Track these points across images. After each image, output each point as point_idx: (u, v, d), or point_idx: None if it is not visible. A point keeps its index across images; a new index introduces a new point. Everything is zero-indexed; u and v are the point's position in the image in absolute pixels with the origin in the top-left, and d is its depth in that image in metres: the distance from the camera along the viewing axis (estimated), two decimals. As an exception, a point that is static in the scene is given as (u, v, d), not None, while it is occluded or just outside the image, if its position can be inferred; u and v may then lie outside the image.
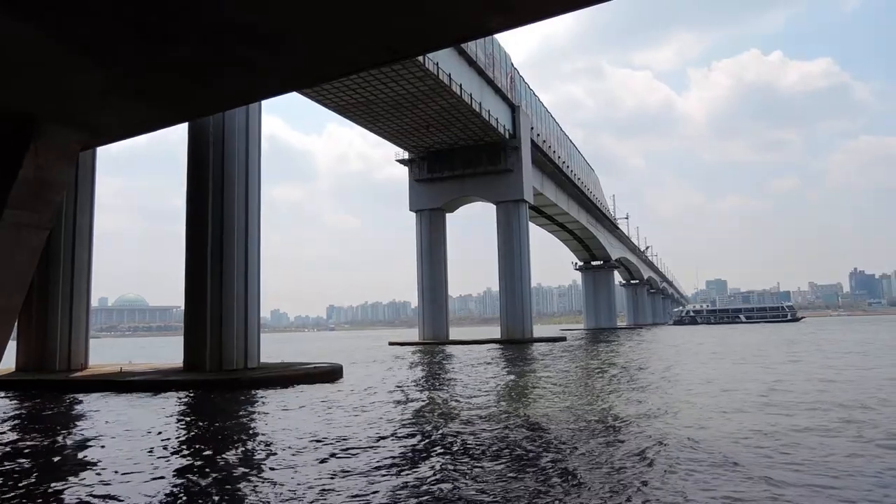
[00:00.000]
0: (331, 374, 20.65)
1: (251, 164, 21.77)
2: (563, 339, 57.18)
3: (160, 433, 10.77)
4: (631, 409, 12.07)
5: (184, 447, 9.84)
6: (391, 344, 56.03)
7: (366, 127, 49.49)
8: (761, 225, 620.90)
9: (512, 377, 19.26)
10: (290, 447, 9.48)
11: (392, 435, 9.87)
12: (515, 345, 48.21)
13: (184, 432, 10.94)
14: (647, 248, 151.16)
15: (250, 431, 10.83)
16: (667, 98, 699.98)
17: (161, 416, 12.81)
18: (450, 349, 43.42)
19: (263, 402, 14.88)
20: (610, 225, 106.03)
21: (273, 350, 49.62)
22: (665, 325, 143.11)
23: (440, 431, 10.09)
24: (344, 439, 9.73)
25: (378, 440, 9.53)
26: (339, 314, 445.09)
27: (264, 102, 21.61)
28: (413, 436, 9.74)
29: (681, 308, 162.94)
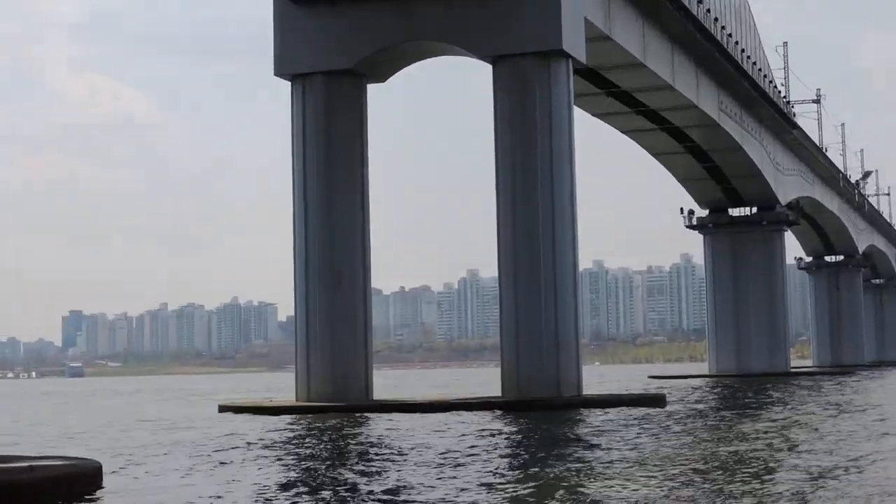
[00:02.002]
0: (75, 482, 21.57)
1: None
2: (659, 399, 58.43)
3: None
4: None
5: None
6: (224, 411, 56.91)
7: None
8: None
9: None
10: None
11: None
12: (537, 414, 49.34)
13: None
14: (867, 175, 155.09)
15: None
16: None
17: None
18: (372, 429, 44.23)
19: None
20: (773, 118, 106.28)
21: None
22: None
23: None
24: None
25: None
26: (95, 336, 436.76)
27: None
28: None
29: None
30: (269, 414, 54.74)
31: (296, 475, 27.15)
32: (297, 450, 35.33)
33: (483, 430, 42.04)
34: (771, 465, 27.64)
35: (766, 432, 38.87)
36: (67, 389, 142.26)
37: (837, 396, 64.26)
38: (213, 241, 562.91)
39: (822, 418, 46.71)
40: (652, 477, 24.94)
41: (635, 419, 46.14)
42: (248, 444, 37.33)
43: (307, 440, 39.74)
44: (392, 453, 32.64)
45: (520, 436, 40.19)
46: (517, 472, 27.09)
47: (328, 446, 36.80)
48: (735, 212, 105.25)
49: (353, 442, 38.50)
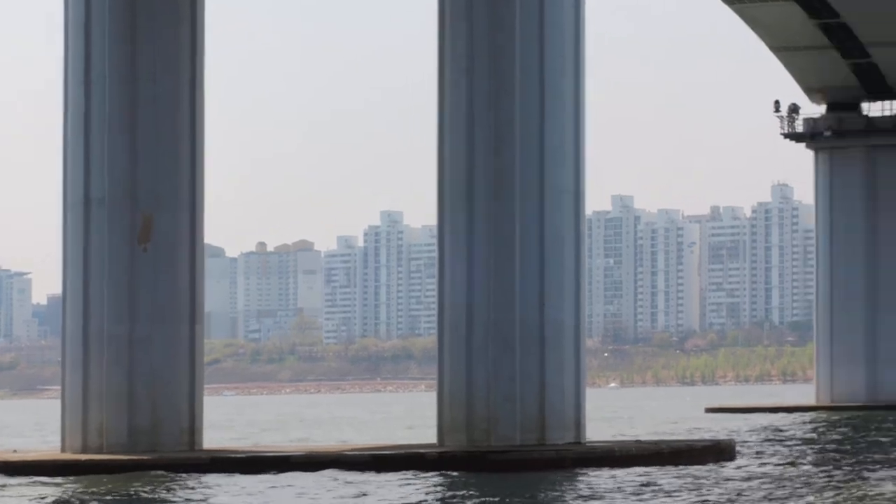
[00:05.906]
0: None
1: None
2: (723, 450, 50.36)
3: None
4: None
5: None
6: None
7: None
8: None
9: None
10: None
11: None
12: (501, 478, 41.40)
13: None
14: None
15: None
16: None
17: None
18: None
19: None
20: None
21: None
22: None
23: None
24: None
25: None
26: None
27: None
28: None
29: None
30: (10, 474, 44.09)
31: None
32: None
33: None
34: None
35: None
36: None
37: None
38: None
39: None
40: None
41: (681, 489, 34.81)
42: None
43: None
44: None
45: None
46: None
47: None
48: (873, 108, 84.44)
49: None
